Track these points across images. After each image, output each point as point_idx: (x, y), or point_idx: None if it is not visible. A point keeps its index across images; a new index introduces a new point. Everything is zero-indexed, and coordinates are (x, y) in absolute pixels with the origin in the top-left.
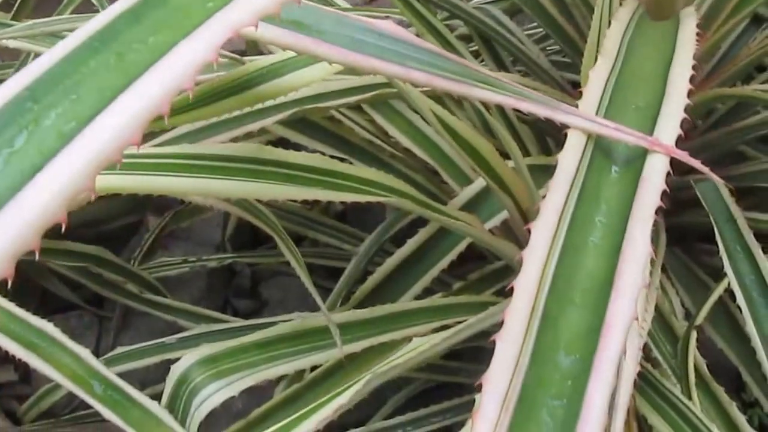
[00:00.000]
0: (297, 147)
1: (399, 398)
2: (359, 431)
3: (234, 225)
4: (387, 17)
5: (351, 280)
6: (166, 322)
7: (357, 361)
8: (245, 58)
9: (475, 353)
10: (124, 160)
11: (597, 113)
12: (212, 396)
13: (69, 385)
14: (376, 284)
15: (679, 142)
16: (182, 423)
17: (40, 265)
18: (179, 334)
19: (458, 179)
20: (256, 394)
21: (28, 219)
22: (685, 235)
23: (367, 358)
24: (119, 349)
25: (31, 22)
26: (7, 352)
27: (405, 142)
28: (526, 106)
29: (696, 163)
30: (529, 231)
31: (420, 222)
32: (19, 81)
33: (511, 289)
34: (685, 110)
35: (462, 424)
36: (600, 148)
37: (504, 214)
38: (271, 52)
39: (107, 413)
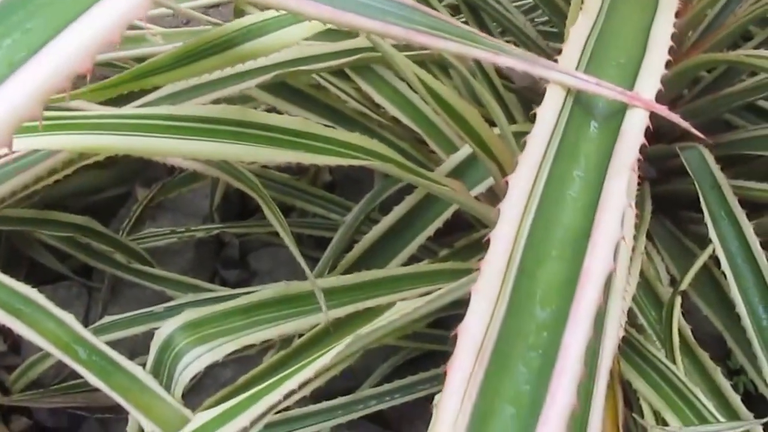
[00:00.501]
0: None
1: (386, 367)
2: (347, 398)
3: (221, 195)
4: None
5: (338, 249)
6: (155, 292)
7: (343, 327)
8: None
9: (460, 321)
10: (106, 121)
11: (577, 69)
12: (196, 361)
13: (54, 351)
14: (363, 252)
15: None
16: (167, 388)
17: (28, 235)
18: (166, 303)
19: (445, 147)
20: (245, 363)
21: None
22: (671, 204)
23: (352, 324)
24: (106, 319)
25: None
26: None
27: (391, 109)
28: (504, 61)
29: (675, 117)
30: (507, 184)
31: (408, 191)
32: None
33: (488, 241)
34: (672, 78)
35: None
36: (579, 103)
37: (490, 181)
38: None
39: (92, 379)
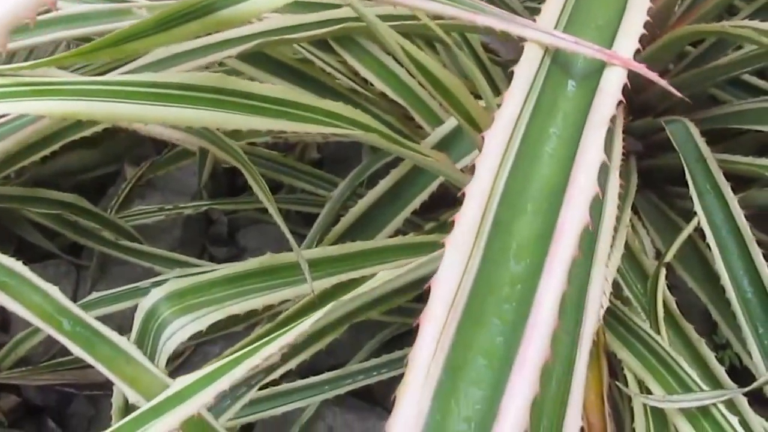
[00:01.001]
0: None
1: (374, 343)
2: (334, 373)
3: (209, 172)
4: None
5: (325, 223)
6: (144, 270)
7: (329, 300)
8: None
9: None
10: (88, 87)
11: (555, 30)
12: (180, 330)
13: (38, 323)
14: (349, 225)
15: (651, 85)
16: (151, 358)
17: (16, 213)
18: (153, 278)
19: (431, 121)
20: (234, 339)
21: None
22: (657, 178)
23: (338, 296)
24: (94, 295)
25: None
26: None
27: (377, 82)
28: (481, 20)
29: (653, 76)
30: (483, 139)
31: (394, 166)
32: None
33: (464, 195)
34: (658, 51)
35: None
36: (557, 63)
37: (475, 154)
38: None
39: (76, 350)
